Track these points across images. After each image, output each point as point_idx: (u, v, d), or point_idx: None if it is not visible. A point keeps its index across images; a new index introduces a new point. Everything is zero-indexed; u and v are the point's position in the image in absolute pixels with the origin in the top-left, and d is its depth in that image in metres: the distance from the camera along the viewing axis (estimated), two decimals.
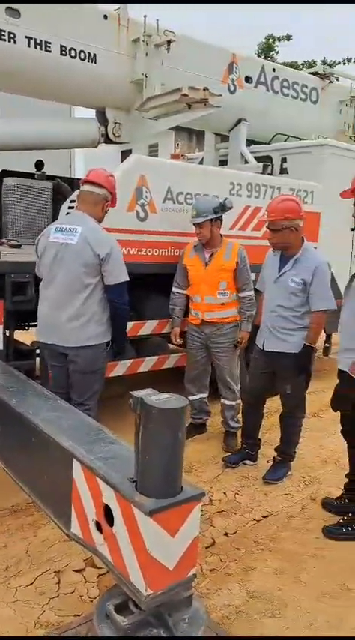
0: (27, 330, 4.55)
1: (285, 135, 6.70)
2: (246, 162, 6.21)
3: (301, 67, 17.13)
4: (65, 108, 8.24)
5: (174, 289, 4.46)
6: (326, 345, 6.21)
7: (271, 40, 20.23)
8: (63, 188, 5.49)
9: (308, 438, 4.60)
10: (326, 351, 6.22)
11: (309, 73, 7.27)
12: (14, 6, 4.38)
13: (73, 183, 5.71)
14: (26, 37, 4.46)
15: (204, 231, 4.15)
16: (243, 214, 4.95)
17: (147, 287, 4.63)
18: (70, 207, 4.03)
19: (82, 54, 4.80)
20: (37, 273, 3.43)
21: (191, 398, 4.54)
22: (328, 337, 6.18)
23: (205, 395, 4.60)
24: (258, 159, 6.24)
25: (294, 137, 6.68)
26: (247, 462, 4.08)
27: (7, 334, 3.87)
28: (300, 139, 6.53)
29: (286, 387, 3.72)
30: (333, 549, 3.03)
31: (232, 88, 5.98)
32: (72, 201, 4.01)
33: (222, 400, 4.46)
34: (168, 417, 1.83)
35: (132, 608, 1.98)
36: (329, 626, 2.45)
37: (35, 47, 4.53)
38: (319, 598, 2.63)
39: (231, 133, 6.39)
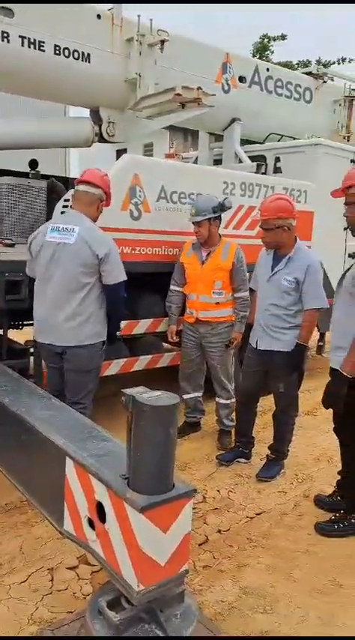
0: (21, 329, 4.56)
1: (279, 134, 6.72)
2: (240, 161, 6.22)
3: (296, 66, 17.19)
4: (59, 107, 8.25)
5: (171, 287, 4.48)
6: (320, 343, 6.24)
7: (266, 40, 20.28)
8: (57, 187, 5.49)
9: (301, 436, 4.63)
10: (320, 349, 6.25)
11: (303, 73, 7.28)
12: (8, 5, 4.37)
13: (68, 182, 5.71)
14: (20, 36, 4.46)
15: (202, 230, 4.16)
16: (237, 213, 4.96)
17: (141, 286, 4.64)
18: (64, 207, 4.04)
19: (76, 53, 4.79)
20: (29, 272, 3.42)
21: (185, 396, 4.56)
22: (322, 336, 6.20)
23: (200, 394, 4.61)
24: (252, 158, 6.25)
25: (288, 137, 6.70)
26: (241, 460, 4.10)
27: (1, 333, 3.88)
28: (294, 139, 6.56)
29: (279, 386, 3.74)
30: (325, 546, 3.05)
31: (226, 88, 5.99)
32: (66, 200, 4.02)
33: (217, 399, 4.47)
34: (160, 414, 1.85)
35: (124, 604, 2.00)
36: (321, 622, 2.47)
37: (29, 47, 4.52)
38: (311, 594, 2.65)
39: (225, 132, 6.39)
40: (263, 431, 4.50)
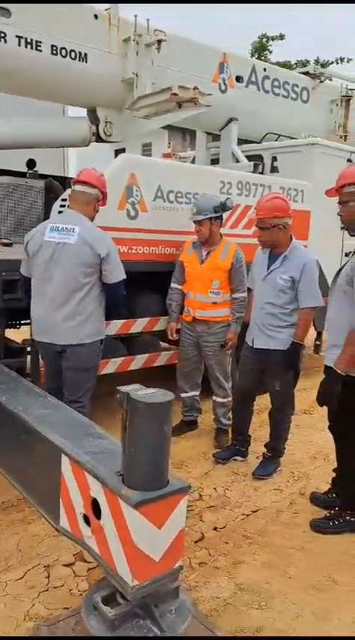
0: (18, 328, 4.58)
1: (276, 134, 6.74)
2: (238, 161, 6.25)
3: (295, 66, 17.21)
4: (58, 107, 8.26)
5: (171, 284, 4.49)
6: (317, 342, 6.26)
7: (265, 40, 20.29)
8: (55, 187, 5.49)
9: (298, 434, 4.66)
10: (317, 348, 6.27)
11: (300, 73, 7.30)
12: (5, 5, 4.39)
13: (66, 181, 5.72)
14: (17, 36, 4.47)
15: (203, 230, 4.18)
16: (234, 212, 4.98)
17: (138, 285, 4.66)
18: (61, 206, 4.05)
19: (73, 53, 4.81)
20: (24, 271, 3.41)
21: (183, 395, 4.58)
22: (319, 335, 6.22)
23: (197, 392, 4.63)
24: (249, 158, 6.27)
25: (285, 136, 6.72)
26: (237, 458, 4.11)
27: None
28: (292, 138, 6.58)
29: (275, 384, 3.76)
30: (320, 543, 3.07)
31: (223, 88, 6.02)
32: (63, 200, 4.03)
33: (214, 397, 4.49)
34: (154, 411, 1.86)
35: (119, 599, 2.02)
36: (316, 618, 2.48)
37: (26, 47, 4.54)
38: (306, 590, 2.67)
39: (222, 132, 6.41)
40: (259, 429, 4.52)
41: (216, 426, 4.53)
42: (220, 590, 2.63)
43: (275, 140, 6.69)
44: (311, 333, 5.65)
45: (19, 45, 4.55)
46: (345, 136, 7.30)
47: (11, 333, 4.23)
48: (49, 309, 3.24)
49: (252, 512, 3.41)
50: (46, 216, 4.78)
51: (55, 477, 2.25)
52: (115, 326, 4.40)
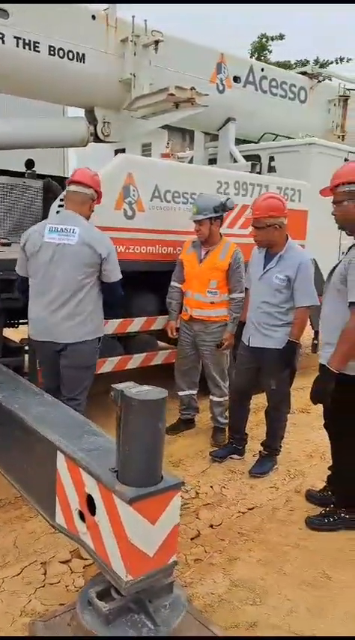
0: (17, 327, 4.61)
1: (274, 134, 6.76)
2: (235, 161, 6.27)
3: (294, 66, 17.22)
4: (58, 107, 8.28)
5: (172, 283, 4.51)
6: (315, 342, 6.26)
7: (264, 40, 20.29)
8: (53, 187, 5.52)
9: (295, 432, 4.68)
10: (315, 348, 6.28)
11: (298, 73, 7.33)
12: (3, 6, 4.42)
13: (64, 181, 5.75)
14: (15, 37, 4.50)
15: (203, 229, 4.19)
16: (231, 212, 4.99)
17: (135, 284, 4.68)
18: (59, 206, 4.07)
19: (71, 54, 4.84)
20: (20, 271, 3.43)
21: (180, 393, 4.61)
22: (316, 334, 6.22)
23: (194, 391, 4.65)
24: (247, 157, 6.30)
25: (283, 136, 6.75)
26: (234, 456, 4.14)
27: None
28: (289, 138, 6.60)
29: (271, 383, 3.78)
30: (315, 540, 3.10)
31: (221, 88, 6.04)
32: (62, 200, 4.05)
33: (210, 396, 4.51)
34: (148, 408, 1.89)
35: (113, 594, 2.04)
36: (310, 614, 2.51)
37: (24, 47, 4.57)
38: (300, 586, 2.69)
39: (219, 132, 6.44)
40: (256, 428, 4.54)
41: (213, 425, 4.55)
42: (215, 586, 2.65)
43: (273, 140, 6.71)
44: (309, 332, 5.69)
45: (17, 46, 4.58)
46: (343, 136, 7.33)
47: (9, 333, 4.26)
48: (49, 309, 3.27)
49: (248, 509, 3.43)
50: (45, 216, 4.80)
51: (51, 474, 2.28)
52: (112, 325, 4.42)
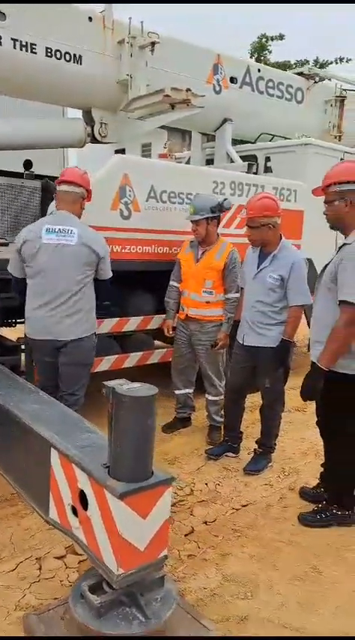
0: (14, 326, 4.64)
1: (271, 134, 6.79)
2: (232, 161, 6.30)
3: (294, 66, 17.23)
4: (58, 108, 8.30)
5: (170, 282, 4.54)
6: None
7: (264, 40, 20.30)
8: (51, 187, 5.53)
9: (290, 431, 4.72)
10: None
11: (295, 74, 7.36)
12: (0, 7, 4.45)
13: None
14: (12, 38, 4.53)
15: (199, 229, 4.22)
16: (227, 212, 5.03)
17: (132, 284, 4.73)
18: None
19: (68, 55, 4.86)
20: (15, 271, 3.48)
21: (176, 392, 4.65)
22: None
23: (190, 390, 4.68)
24: (244, 158, 6.33)
25: (280, 136, 6.77)
26: (229, 454, 4.17)
27: None
28: (286, 139, 6.63)
29: (265, 381, 3.82)
30: (308, 536, 3.13)
31: (217, 89, 6.07)
32: None
33: (206, 395, 4.54)
34: (138, 404, 1.93)
35: (105, 588, 2.08)
36: (301, 608, 2.54)
37: (21, 49, 4.60)
38: (291, 581, 2.73)
39: (216, 132, 6.47)
40: (252, 426, 4.58)
41: (209, 423, 4.59)
42: (207, 581, 2.69)
43: (270, 140, 6.74)
44: (305, 331, 5.72)
45: (15, 47, 4.60)
46: (339, 136, 7.36)
47: (5, 332, 4.30)
48: (49, 308, 3.33)
49: (242, 506, 3.47)
50: (43, 216, 4.83)
51: (45, 470, 2.32)
52: (109, 324, 4.46)
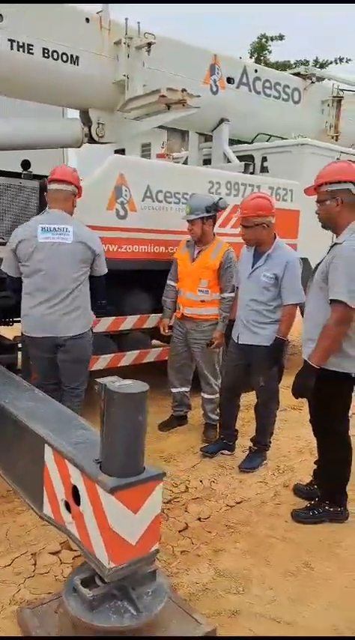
0: (11, 325, 4.67)
1: (268, 134, 6.82)
2: (229, 161, 6.33)
3: (294, 66, 17.24)
4: (57, 108, 8.33)
5: (167, 281, 4.57)
6: None
7: (264, 40, 20.31)
8: None
9: (286, 429, 4.76)
10: None
11: (292, 74, 7.39)
12: None
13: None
14: (9, 39, 4.56)
15: (195, 229, 4.26)
16: (223, 212, 5.06)
17: (128, 283, 4.76)
18: None
19: (64, 56, 4.89)
20: (9, 271, 3.52)
21: (173, 390, 4.68)
22: None
23: (187, 389, 4.71)
24: (241, 158, 6.36)
25: (277, 137, 6.80)
26: (225, 451, 4.20)
27: None
28: (283, 139, 6.66)
29: (259, 379, 3.85)
30: (301, 532, 3.16)
31: (214, 89, 6.10)
32: None
33: (202, 393, 4.58)
34: (129, 401, 1.96)
35: (98, 582, 2.11)
36: (292, 603, 2.57)
37: (18, 50, 4.63)
38: (283, 577, 2.76)
39: (213, 132, 6.50)
40: (248, 425, 4.61)
41: (204, 421, 4.62)
42: (200, 576, 2.72)
43: (267, 140, 6.77)
44: (301, 329, 5.75)
45: (12, 48, 4.63)
46: (337, 137, 7.38)
47: (3, 330, 4.33)
48: (47, 306, 3.38)
49: (236, 503, 3.50)
50: None
51: (40, 466, 2.35)
52: (105, 323, 4.50)
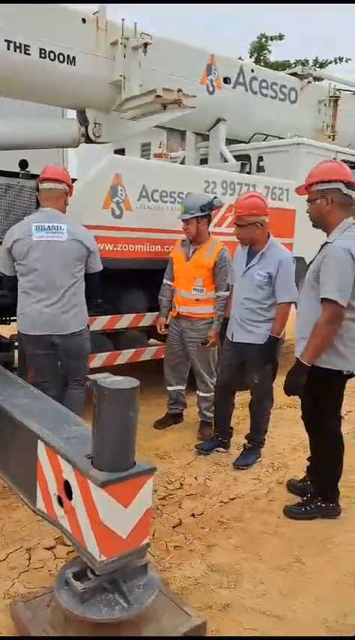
0: (9, 324, 4.71)
1: (264, 134, 6.85)
2: (226, 160, 6.36)
3: (294, 65, 17.26)
4: (56, 109, 8.35)
5: (164, 280, 4.61)
6: None
7: (264, 40, 20.31)
8: None
9: (281, 426, 4.78)
10: None
11: (289, 74, 7.41)
12: None
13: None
14: (5, 40, 4.59)
15: (190, 228, 4.29)
16: (218, 211, 5.09)
17: (123, 282, 4.79)
18: None
19: (61, 56, 4.91)
20: (4, 269, 3.57)
21: (169, 388, 4.71)
22: None
23: (183, 387, 4.74)
24: (237, 157, 6.39)
25: (274, 136, 6.83)
26: (220, 449, 4.24)
27: None
28: (280, 138, 6.68)
29: (254, 377, 3.88)
30: (293, 528, 3.20)
31: (211, 89, 6.13)
32: None
33: (197, 391, 4.61)
34: (119, 396, 1.99)
35: (89, 575, 2.15)
36: (282, 597, 2.61)
37: (14, 50, 4.66)
38: (274, 571, 2.79)
39: (210, 132, 6.52)
40: (243, 422, 4.64)
41: (200, 419, 4.65)
42: (192, 570, 2.75)
43: (264, 140, 6.79)
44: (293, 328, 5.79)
45: (9, 49, 4.66)
46: (333, 136, 7.41)
47: (0, 329, 4.37)
48: (45, 304, 3.43)
49: (230, 499, 3.53)
50: None
51: (33, 461, 2.38)
52: (102, 321, 4.53)
